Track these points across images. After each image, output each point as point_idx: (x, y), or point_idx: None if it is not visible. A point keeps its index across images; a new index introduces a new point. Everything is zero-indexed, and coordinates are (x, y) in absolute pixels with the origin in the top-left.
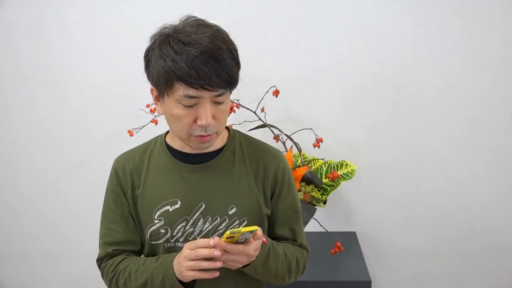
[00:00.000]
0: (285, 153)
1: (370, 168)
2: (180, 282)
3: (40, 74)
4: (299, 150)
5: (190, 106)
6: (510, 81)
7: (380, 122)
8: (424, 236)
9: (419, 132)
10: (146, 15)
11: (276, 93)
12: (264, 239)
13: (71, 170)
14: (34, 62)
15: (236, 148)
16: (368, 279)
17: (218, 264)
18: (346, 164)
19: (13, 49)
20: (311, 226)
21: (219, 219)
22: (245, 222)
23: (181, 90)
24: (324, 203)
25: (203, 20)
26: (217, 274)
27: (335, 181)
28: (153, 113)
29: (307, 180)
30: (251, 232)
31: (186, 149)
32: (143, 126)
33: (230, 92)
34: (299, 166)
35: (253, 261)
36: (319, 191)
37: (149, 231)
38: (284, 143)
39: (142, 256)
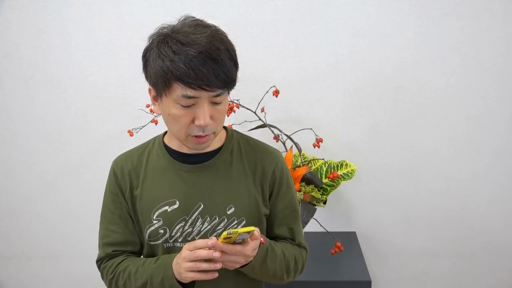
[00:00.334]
0: (285, 153)
1: (370, 168)
2: (180, 282)
3: (40, 74)
4: (299, 150)
5: (188, 106)
6: (510, 81)
7: (380, 122)
8: (424, 236)
9: (419, 132)
10: (146, 15)
11: (276, 93)
12: (262, 239)
13: (71, 170)
14: (34, 62)
15: (234, 148)
16: (368, 279)
17: (218, 266)
18: (346, 164)
19: (13, 49)
20: (311, 226)
21: (217, 219)
22: (244, 222)
23: (179, 90)
24: (324, 203)
25: (201, 20)
26: (216, 275)
27: (335, 181)
28: (153, 113)
29: (307, 180)
30: (248, 232)
31: (184, 149)
32: (143, 126)
33: (228, 93)
34: (299, 166)
35: (251, 262)
36: (319, 191)
37: (148, 231)
38: (284, 143)
39: (142, 256)
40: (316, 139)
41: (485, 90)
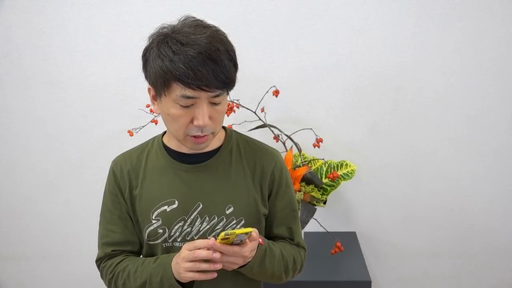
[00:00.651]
0: (285, 153)
1: (370, 168)
2: (179, 282)
3: (40, 74)
4: (299, 150)
5: (187, 106)
6: (510, 81)
7: (380, 122)
8: (424, 236)
9: (419, 132)
10: (146, 15)
11: (276, 93)
12: (260, 240)
13: (71, 170)
14: (34, 62)
15: (233, 147)
16: (368, 279)
17: (218, 266)
18: (346, 164)
19: (13, 49)
20: (311, 226)
21: (216, 218)
22: (243, 222)
23: (178, 90)
24: (324, 203)
25: (201, 21)
26: (214, 275)
27: (335, 181)
28: (153, 113)
29: (307, 180)
30: (246, 234)
31: (183, 149)
32: (143, 126)
33: (227, 93)
34: (299, 166)
35: (249, 262)
36: (319, 191)
37: (147, 231)
38: (284, 143)
39: (141, 256)
40: (316, 139)
41: (485, 90)
